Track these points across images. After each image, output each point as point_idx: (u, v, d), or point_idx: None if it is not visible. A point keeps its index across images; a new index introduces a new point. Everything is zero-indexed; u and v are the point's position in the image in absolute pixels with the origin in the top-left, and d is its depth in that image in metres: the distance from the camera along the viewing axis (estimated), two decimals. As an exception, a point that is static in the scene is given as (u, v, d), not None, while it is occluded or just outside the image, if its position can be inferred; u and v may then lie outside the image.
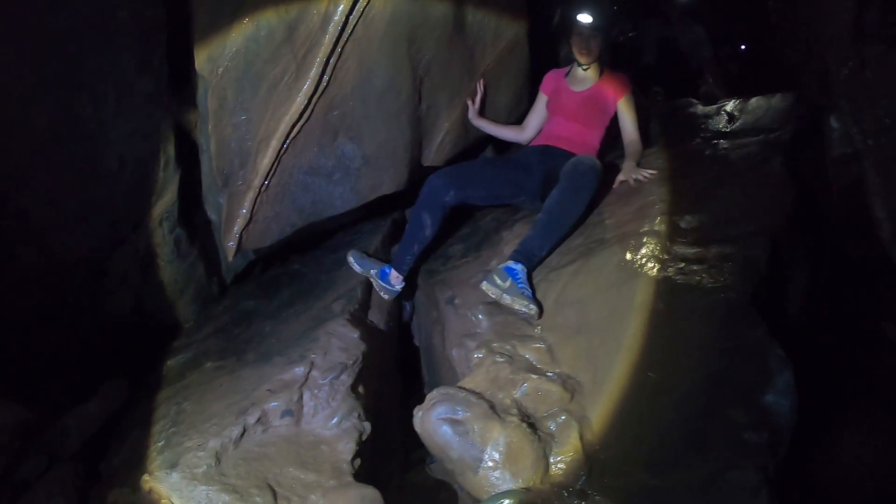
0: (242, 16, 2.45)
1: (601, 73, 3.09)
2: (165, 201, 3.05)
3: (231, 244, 2.73)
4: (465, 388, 1.92)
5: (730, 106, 3.47)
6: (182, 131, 3.06)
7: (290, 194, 2.77)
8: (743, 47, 5.17)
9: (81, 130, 2.61)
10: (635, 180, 2.71)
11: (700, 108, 3.65)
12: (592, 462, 1.75)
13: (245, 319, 3.21)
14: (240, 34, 2.45)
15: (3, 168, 2.46)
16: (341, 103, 2.64)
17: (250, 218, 2.70)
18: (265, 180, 2.64)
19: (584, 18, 2.94)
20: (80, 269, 2.93)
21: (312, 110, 2.58)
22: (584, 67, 3.06)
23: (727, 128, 3.21)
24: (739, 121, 3.23)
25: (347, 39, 2.49)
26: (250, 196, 2.66)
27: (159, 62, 2.71)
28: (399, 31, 2.61)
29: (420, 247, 2.83)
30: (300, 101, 2.53)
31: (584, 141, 3.00)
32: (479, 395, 1.90)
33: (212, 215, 2.92)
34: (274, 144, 2.58)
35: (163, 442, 2.25)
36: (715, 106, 3.65)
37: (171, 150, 2.95)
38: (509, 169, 2.99)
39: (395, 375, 2.98)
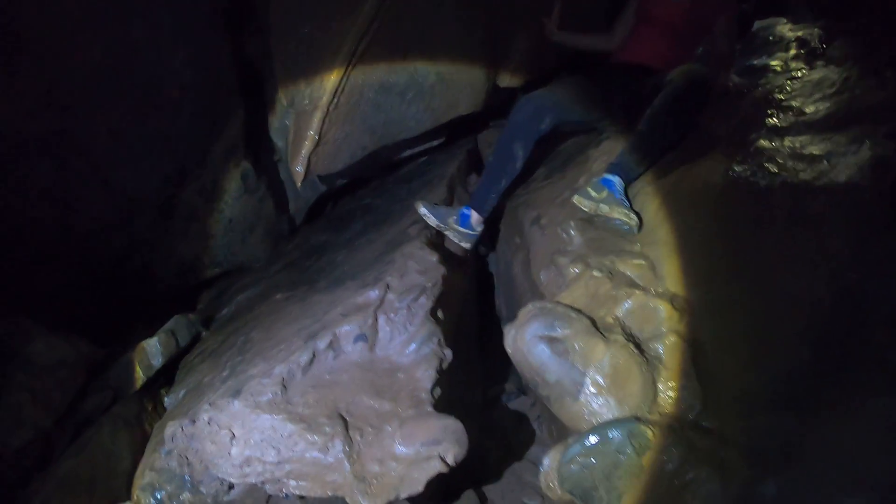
0: None
1: None
2: (230, 133, 2.94)
3: (299, 168, 2.59)
4: (562, 304, 1.71)
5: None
6: (243, 58, 2.93)
7: (361, 114, 2.60)
8: None
9: (139, 58, 2.50)
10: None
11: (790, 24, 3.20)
12: (707, 391, 1.52)
13: (316, 252, 3.12)
14: None
15: (61, 101, 2.37)
16: (411, 16, 2.44)
17: (318, 140, 2.54)
18: (333, 98, 2.47)
19: None
20: (146, 207, 2.87)
21: (381, 22, 2.38)
22: None
23: (826, 40, 2.74)
24: (839, 35, 2.76)
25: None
26: (318, 116, 2.49)
27: None
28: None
29: (508, 181, 2.55)
30: (367, 11, 2.33)
31: (679, 60, 2.54)
32: (578, 311, 1.68)
33: (278, 142, 2.79)
34: (341, 60, 2.40)
35: (227, 371, 2.16)
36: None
37: (233, 77, 2.83)
38: (597, 89, 2.65)
39: (473, 307, 2.80)
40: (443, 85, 2.65)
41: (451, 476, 1.69)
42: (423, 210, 2.56)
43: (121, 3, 2.34)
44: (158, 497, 1.95)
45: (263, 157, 3.19)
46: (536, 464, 1.99)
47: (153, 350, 2.55)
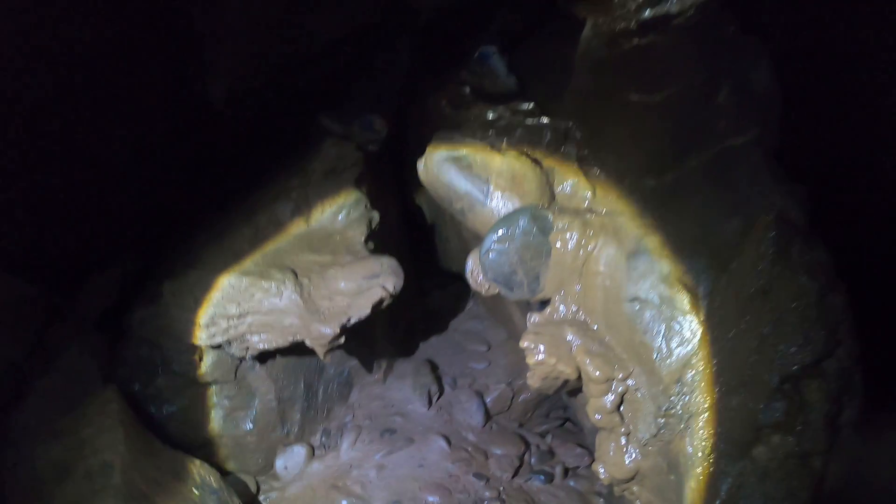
0: None
1: None
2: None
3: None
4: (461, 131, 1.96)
5: None
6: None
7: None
8: None
9: None
10: None
11: None
12: (594, 184, 1.80)
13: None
14: None
15: None
16: None
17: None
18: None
19: None
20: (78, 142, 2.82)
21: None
22: None
23: None
24: None
25: None
26: None
27: None
28: None
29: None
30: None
31: None
32: (474, 137, 1.93)
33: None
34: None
35: (177, 265, 2.30)
36: None
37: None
38: None
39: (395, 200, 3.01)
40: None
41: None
42: (326, 121, 2.60)
43: None
44: (136, 389, 2.10)
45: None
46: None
47: (103, 283, 2.65)
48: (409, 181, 2.82)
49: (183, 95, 3.11)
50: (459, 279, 2.70)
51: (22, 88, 2.44)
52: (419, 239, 2.99)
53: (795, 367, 1.44)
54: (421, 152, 1.95)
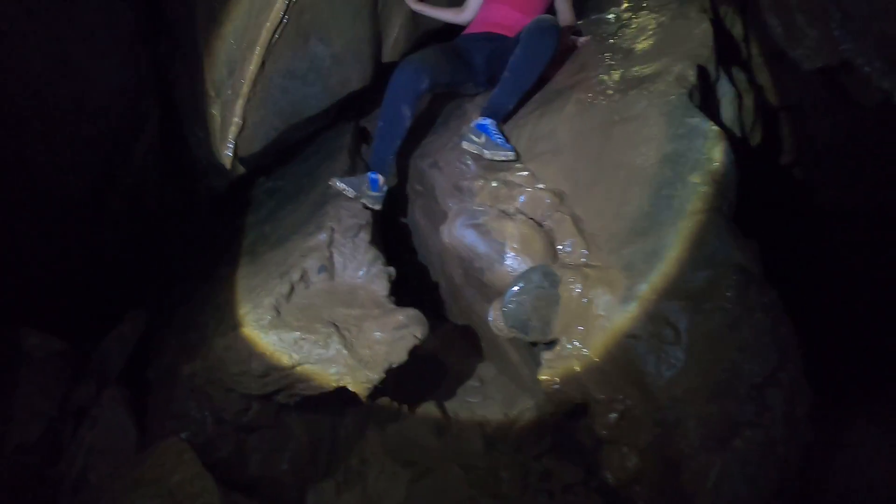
0: None
1: None
2: (149, 133, 3.26)
3: (228, 152, 3.00)
4: (476, 204, 2.35)
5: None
6: (156, 62, 3.25)
7: (272, 98, 3.05)
8: None
9: (72, 67, 2.75)
10: (580, 44, 2.99)
11: None
12: (589, 242, 2.21)
13: (239, 233, 3.48)
14: None
15: (3, 115, 2.58)
16: (311, 6, 2.91)
17: (242, 125, 2.97)
18: (252, 87, 2.91)
19: None
20: (76, 208, 3.08)
21: (288, 16, 2.85)
22: None
23: None
24: None
25: (315, -54, 2.78)
26: (240, 103, 2.93)
27: None
28: (359, -68, 2.91)
29: (400, 141, 2.89)
30: (279, 6, 2.80)
31: (522, 27, 2.90)
32: (488, 207, 2.32)
33: (199, 133, 3.16)
34: (258, 51, 2.86)
35: (213, 321, 2.58)
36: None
37: (151, 81, 3.15)
38: (459, 55, 3.06)
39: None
40: (337, 66, 3.13)
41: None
42: (339, 185, 2.84)
43: (65, 11, 2.59)
44: (182, 438, 2.35)
45: (175, 149, 3.50)
46: (485, 320, 2.51)
47: (122, 337, 2.89)
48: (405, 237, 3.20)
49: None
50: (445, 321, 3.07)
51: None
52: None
53: (758, 378, 1.89)
54: (431, 218, 2.31)
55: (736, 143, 2.74)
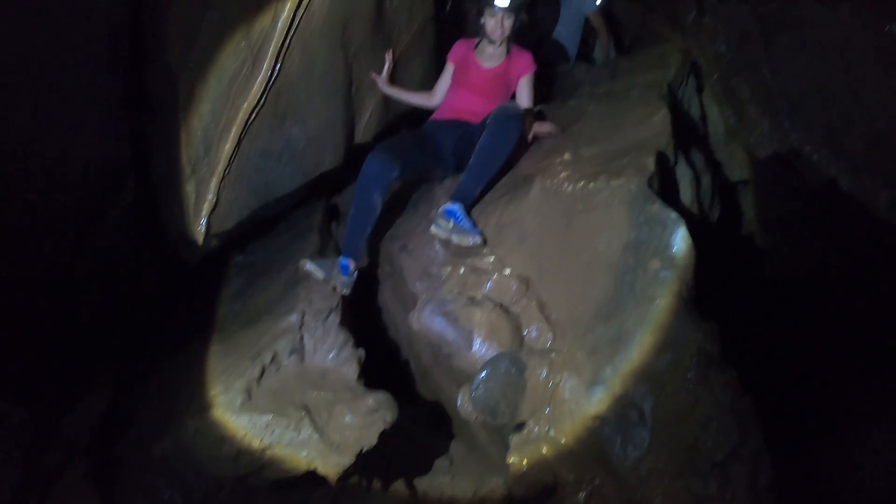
0: (211, 16, 2.83)
1: (509, 50, 3.23)
2: (123, 204, 3.29)
3: (200, 228, 3.04)
4: (445, 291, 2.40)
5: (612, 62, 4.08)
6: (134, 134, 3.30)
7: (247, 177, 3.11)
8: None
9: (52, 133, 2.78)
10: (543, 134, 3.06)
11: (586, 68, 4.21)
12: (555, 328, 2.28)
13: (209, 307, 3.49)
14: (208, 32, 2.83)
15: None
16: (288, 90, 3.01)
17: (216, 202, 3.01)
18: (227, 166, 2.97)
19: (501, 2, 3.05)
20: (46, 274, 3.07)
21: (266, 98, 2.94)
22: (497, 45, 3.20)
23: (614, 79, 3.74)
24: (623, 73, 3.77)
25: (293, 32, 2.87)
26: (215, 181, 2.98)
27: (124, 63, 2.95)
28: (334, 22, 3.02)
29: (371, 228, 2.92)
30: (256, 90, 2.88)
31: (488, 114, 3.03)
32: (457, 294, 2.38)
33: (173, 208, 3.19)
34: (234, 131, 2.92)
35: (184, 399, 2.57)
36: (602, 64, 4.28)
37: (127, 151, 3.19)
38: (428, 142, 3.15)
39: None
40: (311, 147, 3.22)
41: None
42: (309, 267, 2.86)
43: (43, 78, 2.62)
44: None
45: (151, 222, 3.51)
46: (454, 401, 2.54)
47: (90, 408, 2.85)
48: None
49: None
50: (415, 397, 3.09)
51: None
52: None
53: (720, 455, 1.97)
54: (401, 299, 2.36)
55: (696, 224, 2.88)
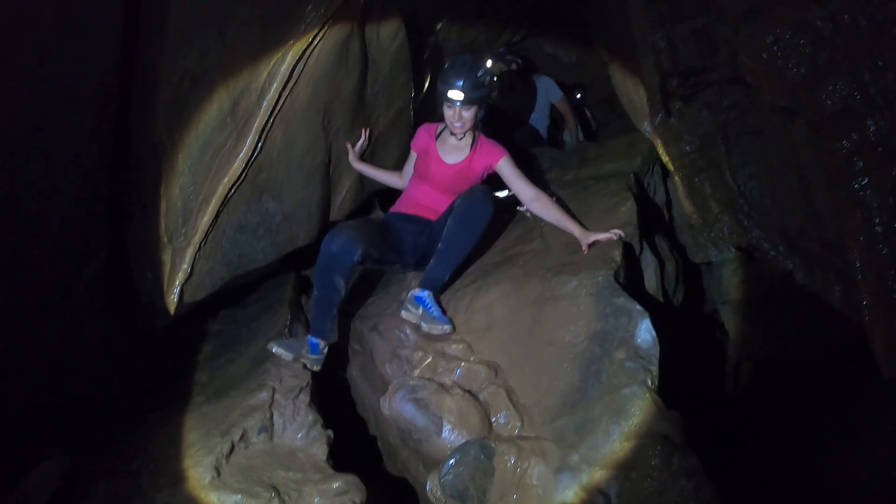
0: (198, 91, 2.91)
1: (474, 140, 3.06)
2: (96, 266, 3.27)
3: (173, 297, 3.05)
4: (415, 377, 2.45)
5: (582, 148, 4.26)
6: (113, 198, 3.31)
7: (222, 249, 3.15)
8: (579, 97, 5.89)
9: (32, 191, 2.77)
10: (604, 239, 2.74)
11: (556, 154, 4.38)
12: (523, 415, 2.34)
13: (173, 377, 3.45)
14: (195, 106, 2.91)
15: None
16: (268, 167, 3.10)
17: (190, 273, 3.03)
18: (204, 237, 3.01)
19: (455, 95, 2.87)
20: (7, 332, 3.01)
21: (246, 173, 3.01)
22: (459, 137, 3.06)
23: (582, 167, 3.90)
24: (592, 160, 3.94)
25: (278, 112, 2.97)
26: (190, 252, 3.02)
27: (109, 129, 2.99)
28: (317, 104, 3.14)
29: (337, 308, 2.85)
30: (238, 165, 2.96)
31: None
32: (427, 380, 2.43)
33: (147, 274, 3.20)
34: (213, 204, 2.98)
35: (148, 473, 2.53)
36: (571, 149, 4.47)
37: (105, 215, 3.20)
38: (389, 233, 3.03)
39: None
40: (286, 223, 3.29)
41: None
42: (277, 350, 2.86)
43: (31, 140, 2.63)
44: None
45: (121, 286, 3.49)
46: (422, 481, 2.55)
47: (43, 478, 2.77)
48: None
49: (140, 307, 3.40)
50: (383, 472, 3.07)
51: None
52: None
53: None
54: (369, 378, 2.38)
55: (661, 309, 2.98)
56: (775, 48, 2.23)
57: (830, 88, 2.12)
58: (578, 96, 5.78)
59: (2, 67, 2.47)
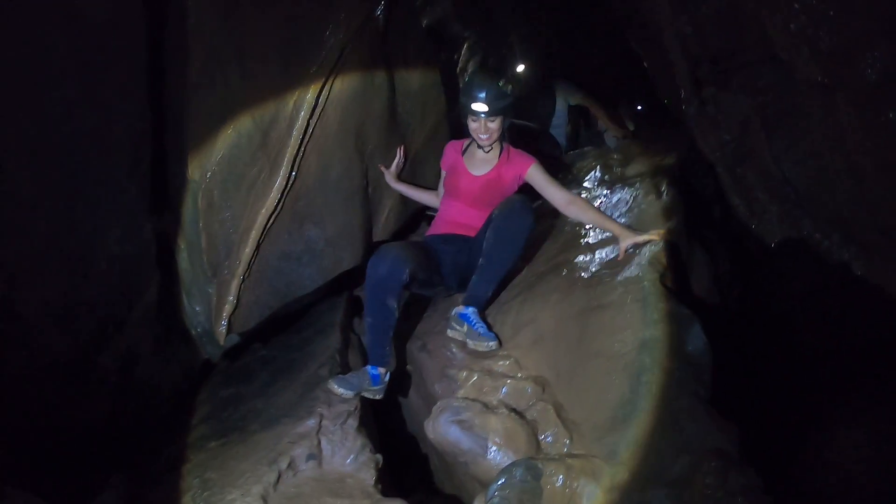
0: (226, 127, 2.96)
1: (501, 151, 3.04)
2: (147, 301, 3.36)
3: (222, 329, 3.10)
4: (460, 398, 2.39)
5: (622, 146, 4.14)
6: (159, 235, 3.41)
7: (267, 279, 3.19)
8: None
9: (77, 234, 2.88)
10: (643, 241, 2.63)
11: (596, 153, 4.29)
12: (571, 431, 2.25)
13: (230, 404, 3.50)
14: (224, 142, 2.96)
15: (6, 272, 2.65)
16: (305, 194, 3.12)
17: (237, 304, 3.08)
18: (247, 268, 3.05)
19: (479, 107, 2.83)
20: (64, 369, 3.12)
21: (283, 203, 3.05)
22: (487, 150, 3.03)
23: (623, 164, 3.82)
24: (633, 158, 3.84)
25: (308, 139, 3.01)
26: (235, 283, 3.06)
27: (145, 170, 3.07)
28: (348, 127, 3.15)
29: (392, 332, 2.77)
30: (273, 195, 3.00)
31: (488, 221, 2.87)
32: (472, 400, 2.37)
33: (196, 307, 3.27)
34: (253, 235, 3.02)
35: (201, 500, 2.54)
36: (613, 147, 4.36)
37: (153, 251, 3.29)
38: (430, 256, 2.98)
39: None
40: (330, 248, 3.31)
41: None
42: (338, 389, 2.75)
43: (70, 184, 2.72)
44: None
45: (172, 318, 3.58)
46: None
47: None
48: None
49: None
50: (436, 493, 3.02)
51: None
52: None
53: None
54: (423, 396, 2.34)
55: (714, 309, 2.84)
56: (803, 17, 2.06)
57: (868, 57, 1.93)
58: (639, 108, 5.60)
59: (33, 123, 2.57)
